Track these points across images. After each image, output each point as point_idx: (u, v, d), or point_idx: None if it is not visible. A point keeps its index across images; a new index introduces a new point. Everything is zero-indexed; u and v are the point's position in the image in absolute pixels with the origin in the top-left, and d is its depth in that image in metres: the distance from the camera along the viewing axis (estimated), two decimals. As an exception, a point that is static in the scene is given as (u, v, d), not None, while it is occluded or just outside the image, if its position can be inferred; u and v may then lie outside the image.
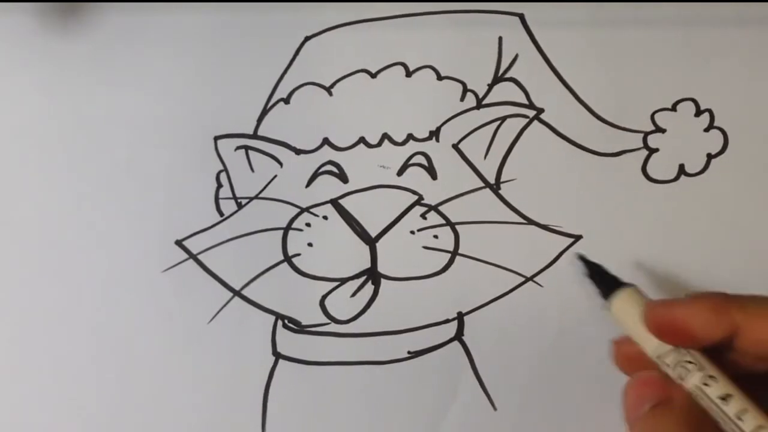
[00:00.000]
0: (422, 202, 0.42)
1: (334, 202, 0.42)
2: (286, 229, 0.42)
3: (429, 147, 0.43)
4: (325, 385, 0.41)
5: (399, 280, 0.42)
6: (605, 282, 0.36)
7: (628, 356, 0.36)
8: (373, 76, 0.44)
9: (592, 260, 0.37)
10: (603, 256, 0.37)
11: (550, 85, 0.44)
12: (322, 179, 0.43)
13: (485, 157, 0.43)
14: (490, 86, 0.44)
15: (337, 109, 0.44)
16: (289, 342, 0.41)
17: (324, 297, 0.42)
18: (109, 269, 0.42)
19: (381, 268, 0.42)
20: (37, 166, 0.43)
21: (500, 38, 0.44)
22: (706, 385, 0.33)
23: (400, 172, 0.43)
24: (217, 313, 0.41)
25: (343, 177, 0.43)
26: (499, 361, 0.41)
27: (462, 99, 0.44)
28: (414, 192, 0.42)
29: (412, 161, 0.43)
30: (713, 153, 0.43)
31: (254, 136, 0.44)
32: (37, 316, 0.42)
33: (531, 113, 0.43)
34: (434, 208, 0.42)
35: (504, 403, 0.40)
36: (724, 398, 0.32)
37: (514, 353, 0.41)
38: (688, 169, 0.43)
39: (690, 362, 0.33)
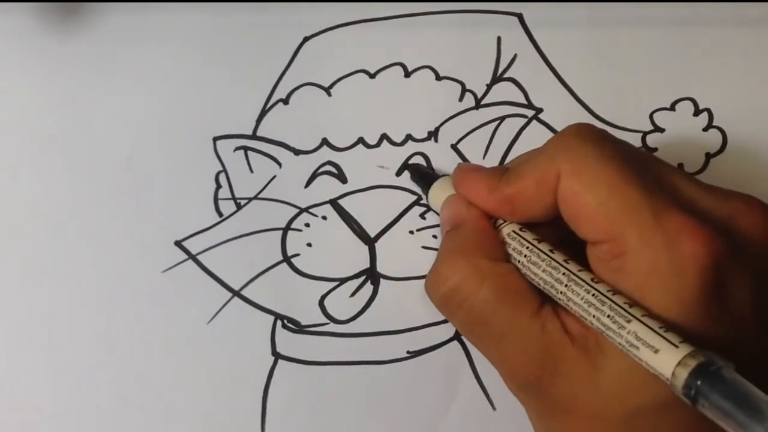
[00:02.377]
0: (421, 202, 0.42)
1: (333, 203, 0.42)
2: (286, 230, 0.42)
3: (428, 147, 0.43)
4: (324, 385, 0.41)
5: (398, 280, 0.42)
6: (426, 180, 0.40)
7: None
8: (372, 76, 0.44)
9: (412, 163, 0.40)
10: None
11: (549, 84, 0.44)
12: (321, 179, 0.43)
13: (484, 158, 0.43)
14: (489, 86, 0.44)
15: (336, 109, 0.44)
16: (288, 342, 0.41)
17: (323, 297, 0.42)
18: (109, 270, 0.42)
19: (380, 268, 0.42)
20: (36, 166, 0.43)
21: (499, 38, 0.44)
22: (522, 230, 0.34)
23: (399, 173, 0.43)
24: (217, 313, 0.41)
25: (342, 177, 0.43)
26: (499, 361, 0.41)
27: (461, 99, 0.44)
28: (413, 192, 0.42)
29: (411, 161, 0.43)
30: (712, 152, 0.43)
31: (253, 136, 0.44)
32: (36, 316, 0.42)
33: (530, 113, 0.43)
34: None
35: (504, 403, 0.40)
36: (539, 240, 0.33)
37: (514, 353, 0.41)
38: (687, 168, 0.43)
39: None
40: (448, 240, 0.35)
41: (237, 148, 0.43)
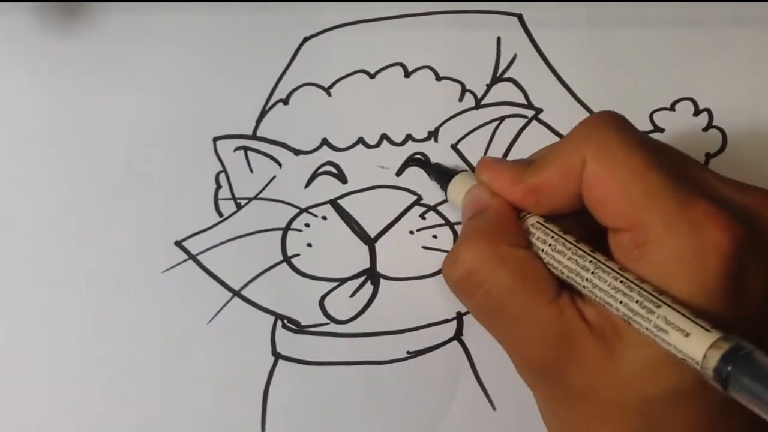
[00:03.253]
0: (421, 202, 0.42)
1: (333, 203, 0.42)
2: (286, 230, 0.42)
3: (428, 147, 0.43)
4: (324, 385, 0.41)
5: (398, 280, 0.42)
6: (444, 176, 0.39)
7: None
8: (372, 76, 0.44)
9: (432, 162, 0.39)
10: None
11: (549, 85, 0.44)
12: (321, 180, 0.43)
13: (484, 158, 0.43)
14: (489, 86, 0.44)
15: (336, 109, 0.44)
16: (288, 342, 0.41)
17: (323, 297, 0.42)
18: (109, 270, 0.42)
19: (380, 268, 0.42)
20: (36, 166, 0.43)
21: (499, 38, 0.44)
22: (546, 221, 0.34)
23: (399, 173, 0.43)
24: (217, 313, 0.41)
25: (342, 177, 0.43)
26: (499, 361, 0.40)
27: (461, 99, 0.44)
28: (413, 192, 0.42)
29: (411, 162, 0.43)
30: (712, 152, 0.43)
31: (253, 136, 0.44)
32: (36, 316, 0.42)
33: (530, 113, 0.43)
34: (433, 208, 0.42)
35: (503, 403, 0.40)
36: (564, 231, 0.33)
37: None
38: (687, 168, 0.43)
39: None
40: (469, 223, 0.35)
41: (237, 149, 0.43)
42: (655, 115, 0.43)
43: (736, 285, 0.30)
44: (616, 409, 0.31)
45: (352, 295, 0.42)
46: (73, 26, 0.45)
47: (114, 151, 0.44)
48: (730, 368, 0.27)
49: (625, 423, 0.31)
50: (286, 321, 0.41)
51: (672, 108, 0.43)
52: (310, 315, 0.41)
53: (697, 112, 0.43)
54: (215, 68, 0.45)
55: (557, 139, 0.43)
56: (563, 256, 0.32)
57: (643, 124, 0.43)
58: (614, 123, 0.32)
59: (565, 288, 0.33)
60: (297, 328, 0.41)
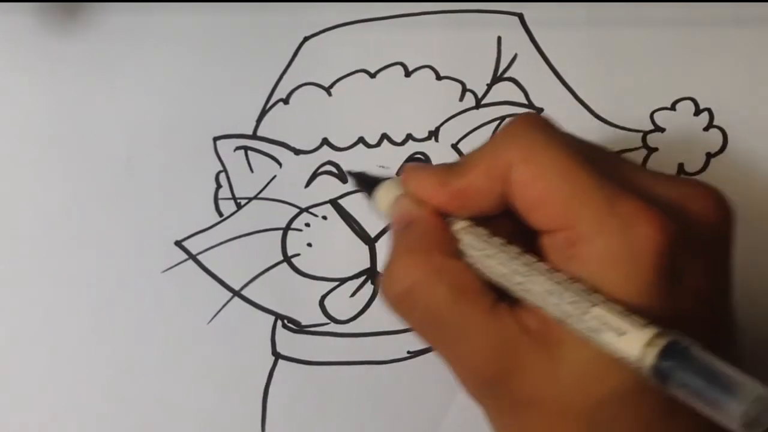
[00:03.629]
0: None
1: (334, 203, 0.42)
2: (286, 230, 0.42)
3: (428, 147, 0.43)
4: (324, 385, 0.41)
5: (398, 280, 0.42)
6: (370, 184, 0.37)
7: None
8: (372, 76, 0.44)
9: (355, 171, 0.37)
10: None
11: (550, 84, 0.44)
12: (322, 179, 0.43)
13: (484, 157, 0.43)
14: (490, 86, 0.44)
15: (336, 109, 0.44)
16: (288, 342, 0.41)
17: (323, 297, 0.42)
18: (109, 270, 0.42)
19: (380, 268, 0.42)
20: (36, 166, 0.43)
21: (499, 38, 0.44)
22: (473, 225, 0.33)
23: (399, 172, 0.43)
24: (217, 313, 0.41)
25: (342, 177, 0.43)
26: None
27: (461, 99, 0.44)
28: (413, 192, 0.42)
29: (411, 162, 0.43)
30: (712, 152, 0.43)
31: (253, 136, 0.44)
32: (36, 316, 0.42)
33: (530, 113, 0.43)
34: (433, 208, 0.42)
35: (504, 403, 0.40)
36: (492, 234, 0.32)
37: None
38: (688, 168, 0.43)
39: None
40: (399, 239, 0.34)
41: (237, 148, 0.43)
42: (655, 114, 0.43)
43: (672, 280, 0.29)
44: (562, 415, 0.30)
45: (353, 295, 0.41)
46: (73, 26, 0.45)
47: (114, 151, 0.44)
48: (668, 364, 0.27)
49: (572, 429, 0.31)
50: (286, 321, 0.41)
51: (672, 108, 0.43)
52: (310, 315, 0.41)
53: (697, 111, 0.43)
54: (215, 68, 0.44)
55: (558, 138, 0.43)
56: (494, 260, 0.32)
57: (643, 124, 0.43)
58: (539, 125, 0.32)
59: (503, 295, 0.32)
60: (297, 327, 0.41)
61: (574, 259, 0.30)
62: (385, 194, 0.36)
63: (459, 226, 0.33)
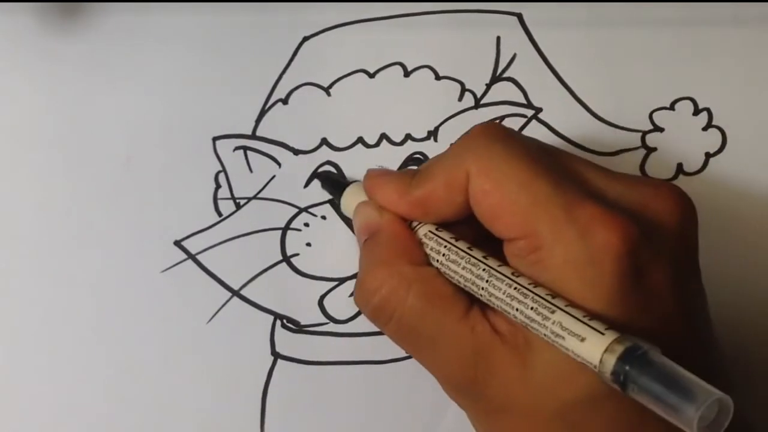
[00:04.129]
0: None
1: (333, 202, 0.42)
2: (285, 229, 0.42)
3: (427, 147, 0.43)
4: (323, 385, 0.41)
5: (398, 280, 0.42)
6: (336, 187, 0.40)
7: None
8: (372, 76, 0.44)
9: (321, 171, 0.39)
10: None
11: (549, 84, 0.44)
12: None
13: (483, 157, 0.43)
14: (489, 86, 0.44)
15: (335, 109, 0.44)
16: (287, 342, 0.41)
17: (323, 297, 0.42)
18: (108, 269, 0.42)
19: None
20: (35, 166, 0.43)
21: (498, 38, 0.44)
22: (438, 230, 0.34)
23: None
24: (216, 313, 0.41)
25: (341, 177, 0.43)
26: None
27: (460, 99, 0.44)
28: (412, 192, 0.42)
29: (410, 161, 0.43)
30: (711, 152, 0.43)
31: (253, 136, 0.44)
32: (36, 316, 0.42)
33: (529, 113, 0.43)
34: (433, 207, 0.42)
35: (503, 403, 0.40)
36: (456, 239, 0.33)
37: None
38: (687, 168, 0.43)
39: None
40: (367, 250, 0.35)
41: (236, 148, 0.43)
42: (654, 114, 0.43)
43: (636, 283, 0.30)
44: (534, 418, 0.31)
45: (352, 294, 0.41)
46: (73, 26, 0.45)
47: (114, 151, 0.44)
48: (627, 368, 0.27)
49: (546, 431, 0.31)
50: (285, 320, 0.41)
51: (672, 107, 0.43)
52: (309, 314, 0.41)
53: (696, 111, 0.43)
54: (215, 68, 0.44)
55: (557, 138, 0.43)
56: (458, 265, 0.32)
57: (642, 124, 0.43)
58: (496, 134, 0.32)
59: (475, 301, 0.33)
60: (296, 327, 0.41)
61: (537, 265, 0.30)
62: (351, 199, 0.38)
63: (423, 231, 0.34)
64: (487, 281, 0.31)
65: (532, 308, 0.30)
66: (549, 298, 0.30)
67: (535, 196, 0.30)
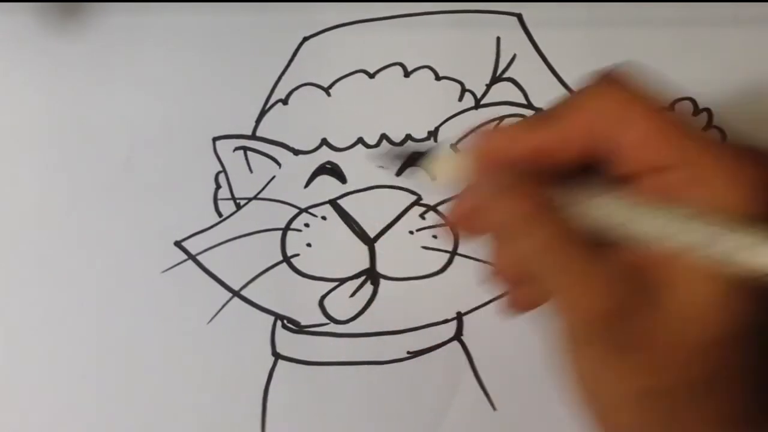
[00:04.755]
0: (421, 202, 0.42)
1: (333, 203, 0.42)
2: (285, 230, 0.42)
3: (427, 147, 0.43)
4: (324, 386, 0.41)
5: (398, 280, 0.42)
6: (411, 158, 0.36)
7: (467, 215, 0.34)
8: (372, 76, 0.44)
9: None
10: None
11: (549, 84, 0.44)
12: (321, 179, 0.43)
13: (484, 157, 0.43)
14: (489, 86, 0.44)
15: (335, 109, 0.44)
16: (288, 342, 0.41)
17: (323, 297, 0.42)
18: (109, 270, 0.42)
19: (380, 269, 0.42)
20: (35, 166, 0.43)
21: (498, 38, 0.44)
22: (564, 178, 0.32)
23: (398, 173, 0.43)
24: (217, 313, 0.41)
25: (341, 177, 0.43)
26: (499, 361, 0.41)
27: (460, 99, 0.44)
28: (413, 192, 0.42)
29: (410, 161, 0.43)
30: (712, 152, 0.43)
31: (253, 136, 0.44)
32: (36, 316, 0.42)
33: (529, 113, 0.43)
34: (433, 208, 0.42)
35: (504, 403, 0.40)
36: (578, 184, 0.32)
37: (514, 353, 0.41)
38: (687, 168, 0.43)
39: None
40: (494, 181, 0.32)
41: (236, 149, 0.43)
42: (654, 114, 0.43)
43: None
44: (670, 357, 0.30)
45: (352, 295, 0.42)
46: (73, 26, 0.45)
47: (114, 151, 0.44)
48: None
49: (681, 372, 0.30)
50: (285, 321, 0.41)
51: (672, 108, 0.43)
52: (309, 315, 0.41)
53: (696, 111, 0.43)
54: (215, 68, 0.45)
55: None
56: (593, 205, 0.31)
57: (642, 124, 0.43)
58: (629, 80, 0.32)
59: (610, 239, 0.31)
60: (297, 328, 0.41)
61: (695, 189, 0.29)
62: (447, 164, 0.34)
63: (549, 179, 0.32)
64: (641, 214, 0.30)
65: (696, 232, 0.29)
66: (709, 218, 0.29)
67: (690, 126, 0.30)
